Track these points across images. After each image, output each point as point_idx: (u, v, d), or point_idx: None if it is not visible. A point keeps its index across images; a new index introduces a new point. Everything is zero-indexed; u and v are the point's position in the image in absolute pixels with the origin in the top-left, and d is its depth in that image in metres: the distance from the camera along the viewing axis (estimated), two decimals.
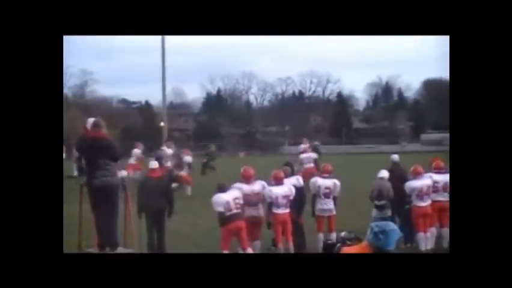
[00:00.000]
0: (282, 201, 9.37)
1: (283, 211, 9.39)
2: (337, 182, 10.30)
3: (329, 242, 9.71)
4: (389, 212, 10.12)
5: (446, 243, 10.04)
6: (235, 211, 9.02)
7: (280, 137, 58.46)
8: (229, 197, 9.06)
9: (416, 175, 10.22)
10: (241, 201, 9.19)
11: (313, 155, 18.57)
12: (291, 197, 9.49)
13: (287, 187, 9.58)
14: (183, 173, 18.20)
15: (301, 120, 61.88)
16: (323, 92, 69.79)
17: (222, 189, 9.26)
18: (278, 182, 9.59)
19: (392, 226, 4.54)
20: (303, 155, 18.61)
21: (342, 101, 66.73)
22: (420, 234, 9.91)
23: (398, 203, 10.34)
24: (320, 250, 9.73)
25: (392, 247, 4.42)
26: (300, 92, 69.89)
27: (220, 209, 8.96)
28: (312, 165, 17.77)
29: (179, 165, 18.26)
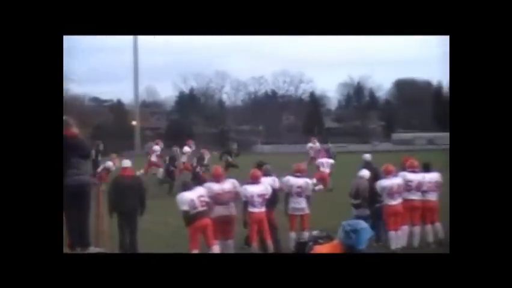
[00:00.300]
0: (257, 199, 9.36)
1: (259, 210, 9.38)
2: (309, 180, 10.38)
3: (301, 240, 9.74)
4: (367, 211, 10.19)
5: (417, 242, 10.19)
6: (200, 209, 8.97)
7: (253, 136, 58.42)
8: (194, 195, 9.01)
9: (387, 174, 10.31)
10: (207, 199, 9.15)
11: (331, 161, 18.88)
12: (267, 196, 9.49)
13: (263, 186, 9.57)
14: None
15: (274, 119, 61.98)
16: (296, 91, 69.98)
17: (186, 187, 9.21)
18: (255, 180, 9.59)
19: (363, 225, 4.54)
20: (321, 160, 18.89)
21: (315, 101, 66.93)
22: (391, 233, 9.99)
23: (370, 201, 10.45)
24: (292, 249, 9.77)
25: (363, 246, 4.42)
26: (273, 91, 69.86)
27: (185, 207, 8.91)
28: (327, 170, 18.10)
29: (202, 163, 18.33)
